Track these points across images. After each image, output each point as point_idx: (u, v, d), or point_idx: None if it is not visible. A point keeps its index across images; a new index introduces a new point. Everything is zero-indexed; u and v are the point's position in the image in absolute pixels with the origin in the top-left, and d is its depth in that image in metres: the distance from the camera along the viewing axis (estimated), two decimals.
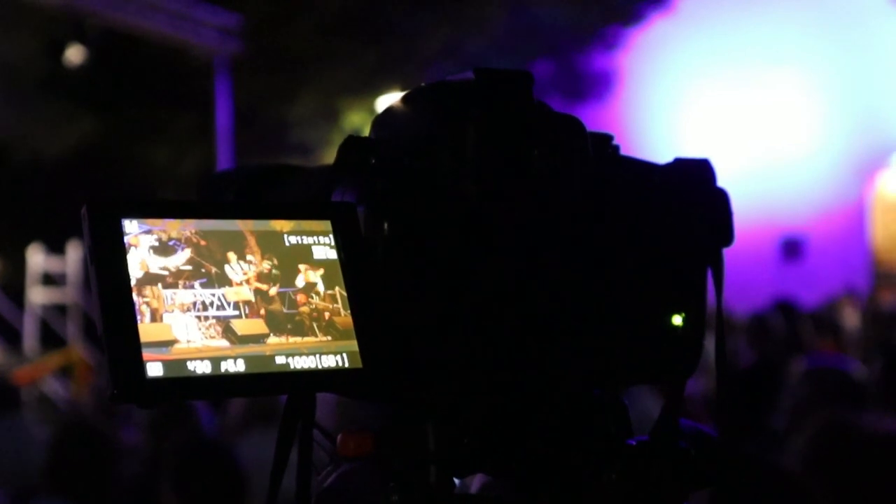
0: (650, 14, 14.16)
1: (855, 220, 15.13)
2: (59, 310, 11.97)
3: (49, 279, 12.07)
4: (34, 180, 12.45)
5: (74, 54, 10.03)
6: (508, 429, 0.94)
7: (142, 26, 9.83)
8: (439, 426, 0.92)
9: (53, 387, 10.48)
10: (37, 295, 11.97)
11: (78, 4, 9.43)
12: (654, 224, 0.99)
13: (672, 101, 15.19)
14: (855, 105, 14.95)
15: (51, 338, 11.63)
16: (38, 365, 10.78)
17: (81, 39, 9.96)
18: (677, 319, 0.99)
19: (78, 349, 11.00)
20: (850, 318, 9.66)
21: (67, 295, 11.91)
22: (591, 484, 0.96)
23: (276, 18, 11.72)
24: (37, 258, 11.97)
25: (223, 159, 10.40)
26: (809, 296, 10.83)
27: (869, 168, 15.06)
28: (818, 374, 3.89)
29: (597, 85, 13.99)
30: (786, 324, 7.08)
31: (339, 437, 0.95)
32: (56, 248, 11.85)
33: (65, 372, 10.73)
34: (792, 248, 14.93)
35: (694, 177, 1.01)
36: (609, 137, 1.01)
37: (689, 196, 1.00)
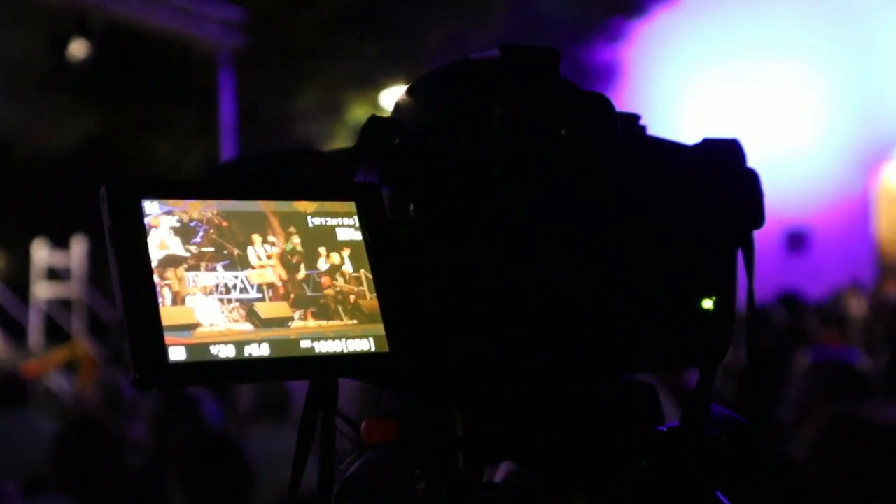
0: (653, 7, 14.14)
1: (859, 212, 15.09)
2: (64, 304, 11.96)
3: (53, 274, 12.07)
4: (38, 175, 12.45)
5: (78, 49, 10.02)
6: (537, 415, 0.92)
7: (145, 21, 9.81)
8: (467, 412, 0.90)
9: (58, 381, 10.47)
10: (41, 290, 11.97)
11: None
12: (682, 205, 0.97)
13: (675, 94, 15.15)
14: (859, 97, 14.90)
15: (55, 332, 11.63)
16: (42, 360, 10.78)
17: (85, 34, 9.95)
18: (707, 303, 0.97)
19: (83, 344, 11.00)
20: (856, 310, 9.63)
21: (72, 289, 11.90)
22: (621, 471, 0.93)
23: (279, 12, 11.71)
24: (41, 253, 11.96)
25: (227, 153, 10.38)
26: (814, 288, 10.80)
27: (873, 160, 15.02)
28: (823, 368, 3.87)
29: (600, 78, 13.96)
30: (790, 316, 7.07)
31: (363, 423, 0.93)
32: (60, 242, 11.84)
33: (70, 367, 10.72)
34: (796, 241, 14.89)
35: (723, 157, 0.99)
36: (636, 117, 0.98)
37: (719, 177, 0.98)
